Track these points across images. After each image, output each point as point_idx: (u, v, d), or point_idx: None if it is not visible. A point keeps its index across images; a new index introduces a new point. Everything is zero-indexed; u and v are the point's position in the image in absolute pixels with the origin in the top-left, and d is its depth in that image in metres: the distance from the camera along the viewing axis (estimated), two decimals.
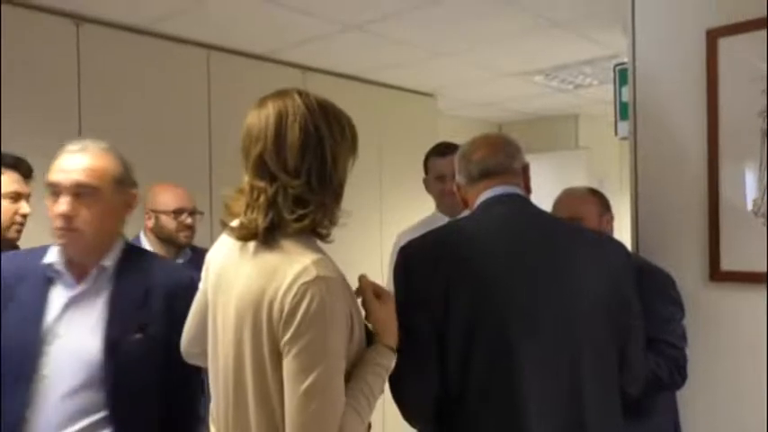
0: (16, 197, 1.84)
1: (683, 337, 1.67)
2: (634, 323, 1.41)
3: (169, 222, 2.33)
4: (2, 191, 1.76)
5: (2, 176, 1.78)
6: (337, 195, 1.21)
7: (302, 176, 1.14)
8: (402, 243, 2.69)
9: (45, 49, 2.50)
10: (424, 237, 1.41)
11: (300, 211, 1.13)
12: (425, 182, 2.54)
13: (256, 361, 1.14)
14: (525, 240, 1.35)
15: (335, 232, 1.25)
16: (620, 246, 1.45)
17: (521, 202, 1.42)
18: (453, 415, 1.29)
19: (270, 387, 1.13)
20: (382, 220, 3.85)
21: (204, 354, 1.32)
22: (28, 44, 2.43)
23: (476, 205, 1.44)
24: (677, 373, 1.62)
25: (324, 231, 1.19)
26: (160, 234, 2.35)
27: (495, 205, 1.41)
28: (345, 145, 1.21)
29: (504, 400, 1.25)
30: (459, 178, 1.51)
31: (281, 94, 1.20)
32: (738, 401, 1.73)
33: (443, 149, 2.44)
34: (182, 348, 1.40)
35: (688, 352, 1.66)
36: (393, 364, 1.22)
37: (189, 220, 2.37)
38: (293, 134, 1.14)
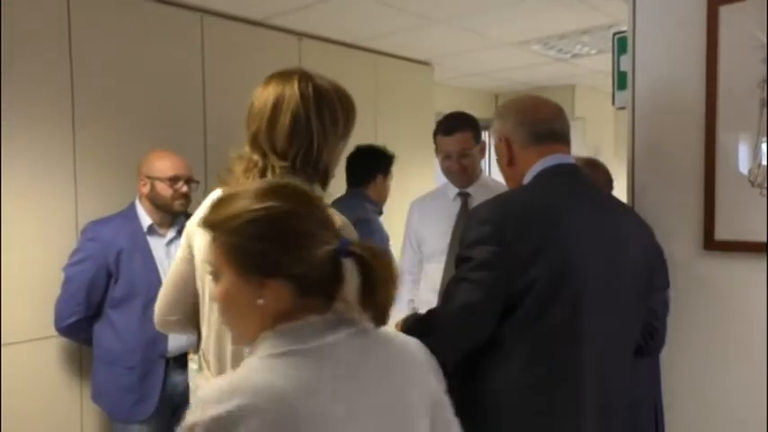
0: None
1: (664, 305, 1.71)
2: (658, 296, 1.56)
3: (165, 189, 2.31)
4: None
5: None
6: (323, 177, 1.32)
7: (288, 159, 1.27)
8: (416, 211, 2.69)
9: (34, 13, 2.45)
10: (511, 198, 1.39)
11: None
12: (436, 154, 2.52)
13: None
14: (595, 213, 1.39)
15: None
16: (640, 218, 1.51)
17: (584, 175, 1.45)
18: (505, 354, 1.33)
19: None
20: None
21: (181, 321, 1.44)
22: (15, 8, 2.38)
23: (539, 169, 1.40)
24: (649, 336, 1.64)
25: None
26: (155, 201, 2.33)
27: (568, 175, 1.41)
28: (335, 132, 1.32)
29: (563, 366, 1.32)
30: (514, 135, 1.43)
31: (285, 75, 1.31)
32: (729, 370, 1.75)
33: (450, 128, 2.39)
34: (156, 318, 1.47)
35: (669, 320, 1.70)
36: None
37: (184, 188, 2.35)
38: (284, 121, 1.27)
